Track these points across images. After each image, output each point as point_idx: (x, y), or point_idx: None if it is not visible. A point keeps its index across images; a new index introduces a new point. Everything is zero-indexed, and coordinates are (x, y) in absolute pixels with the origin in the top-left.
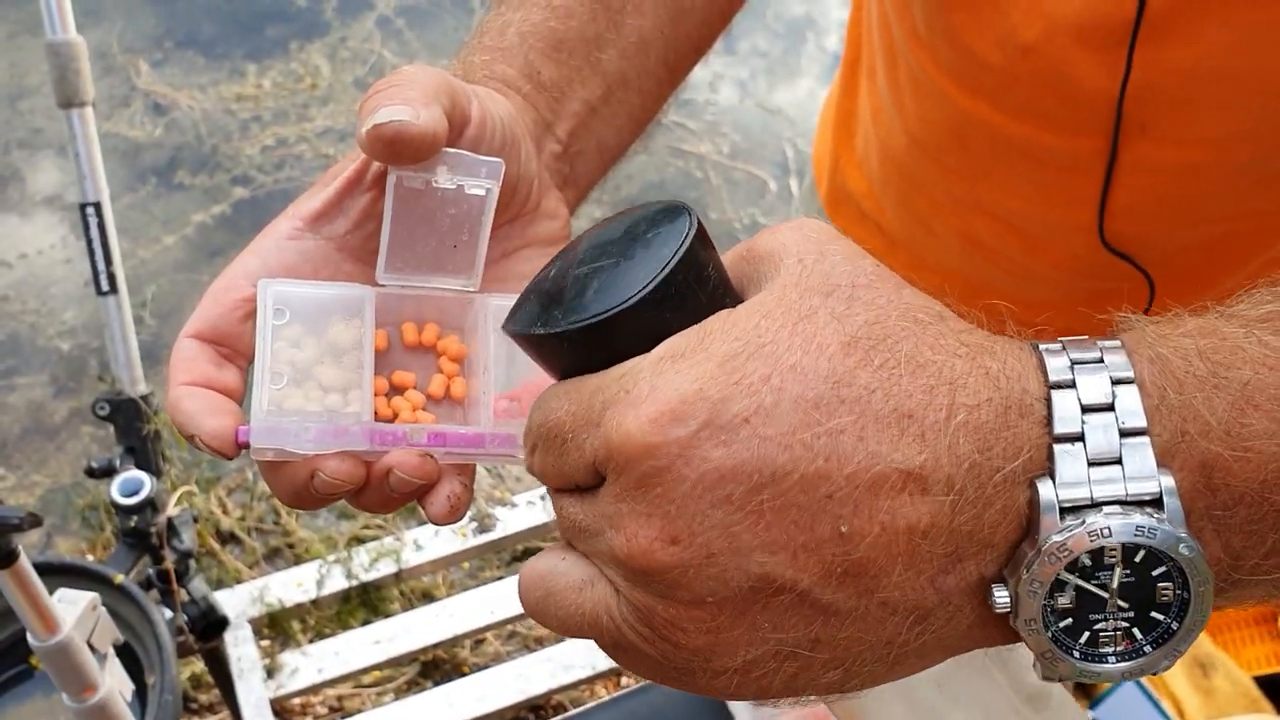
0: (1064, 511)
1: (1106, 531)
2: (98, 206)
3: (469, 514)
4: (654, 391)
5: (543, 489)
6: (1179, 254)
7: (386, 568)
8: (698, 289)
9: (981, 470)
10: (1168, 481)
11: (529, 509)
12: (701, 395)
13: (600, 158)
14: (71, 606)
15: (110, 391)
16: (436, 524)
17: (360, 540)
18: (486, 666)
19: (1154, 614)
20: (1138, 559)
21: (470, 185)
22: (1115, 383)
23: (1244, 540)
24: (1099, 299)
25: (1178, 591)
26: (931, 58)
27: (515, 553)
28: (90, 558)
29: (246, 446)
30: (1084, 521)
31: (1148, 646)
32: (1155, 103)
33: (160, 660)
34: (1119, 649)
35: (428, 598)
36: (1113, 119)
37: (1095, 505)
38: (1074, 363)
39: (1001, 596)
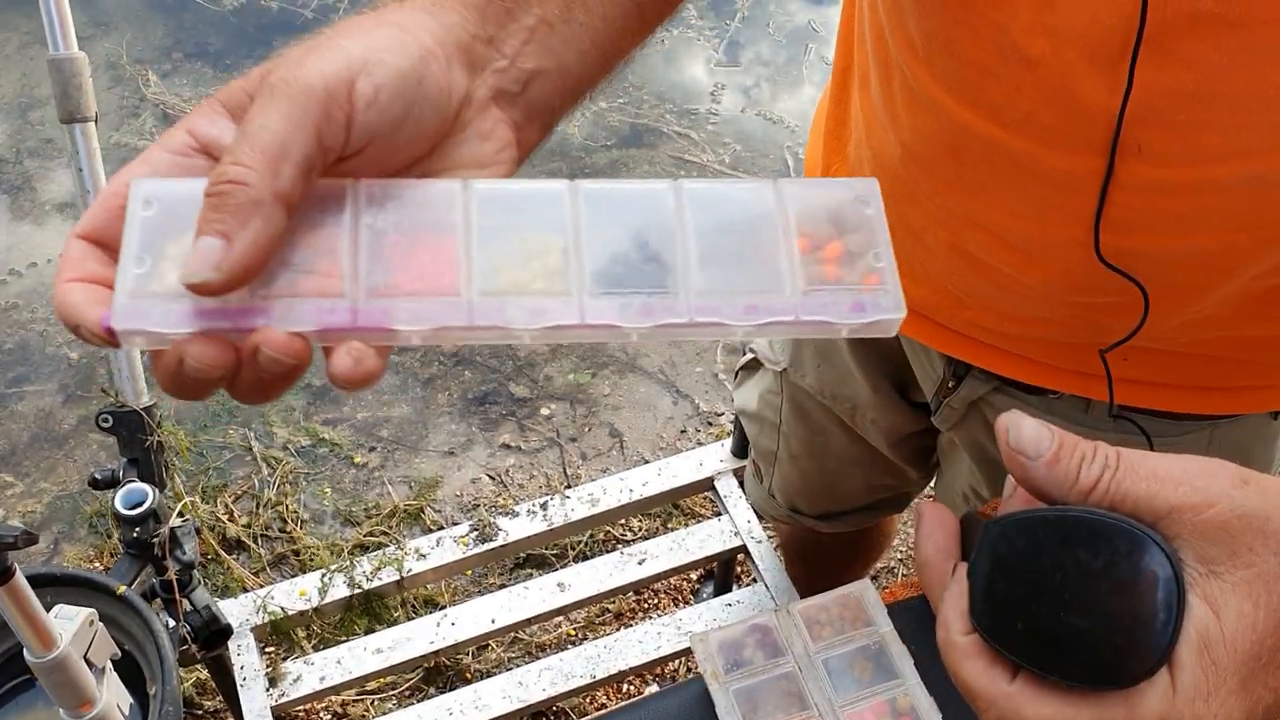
0: None
1: None
2: None
3: (469, 523)
4: None
5: (544, 498)
6: (1174, 267)
7: (389, 576)
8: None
9: None
10: None
11: (530, 518)
12: None
13: (562, 81)
14: (68, 622)
15: (113, 404)
16: (340, 383)
17: (364, 548)
18: (489, 674)
19: None
20: None
21: None
22: None
23: None
24: (1091, 312)
25: None
26: (928, 70)
27: (517, 560)
28: (97, 565)
29: (115, 334)
30: None
31: None
32: (1154, 125)
33: (162, 670)
34: None
35: (430, 605)
36: (1110, 138)
37: None
38: None
39: None
